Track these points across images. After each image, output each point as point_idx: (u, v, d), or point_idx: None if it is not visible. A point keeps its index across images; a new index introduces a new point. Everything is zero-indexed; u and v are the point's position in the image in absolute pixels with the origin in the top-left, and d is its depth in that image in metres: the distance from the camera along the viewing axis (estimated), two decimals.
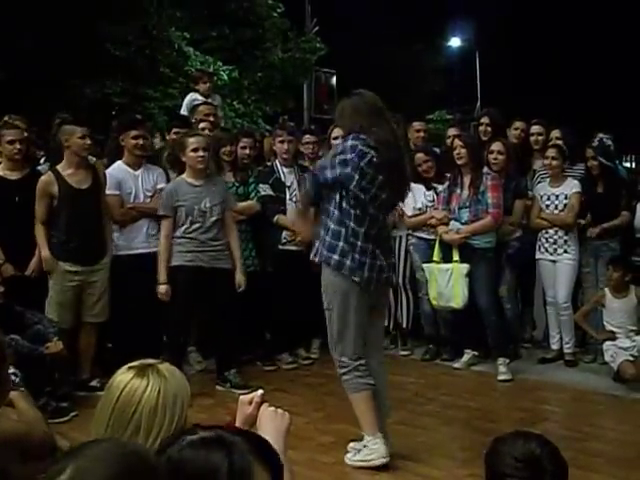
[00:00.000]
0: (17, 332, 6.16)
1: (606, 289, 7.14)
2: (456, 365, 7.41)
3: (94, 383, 6.47)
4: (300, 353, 7.72)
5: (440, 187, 7.60)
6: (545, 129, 8.07)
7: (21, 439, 3.14)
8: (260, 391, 2.60)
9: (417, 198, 7.69)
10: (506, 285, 7.54)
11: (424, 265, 7.41)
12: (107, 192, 6.89)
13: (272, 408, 2.50)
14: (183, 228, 6.63)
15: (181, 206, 6.62)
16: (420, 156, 7.74)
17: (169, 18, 15.33)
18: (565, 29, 25.98)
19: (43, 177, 6.56)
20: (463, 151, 7.19)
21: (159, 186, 7.05)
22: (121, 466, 1.54)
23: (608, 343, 6.90)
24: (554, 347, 7.54)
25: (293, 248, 7.43)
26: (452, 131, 8.48)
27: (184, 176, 6.76)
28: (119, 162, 7.05)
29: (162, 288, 6.57)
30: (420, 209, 7.72)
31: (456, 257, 7.14)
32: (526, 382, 6.96)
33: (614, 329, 6.99)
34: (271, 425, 2.45)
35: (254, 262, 7.29)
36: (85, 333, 6.71)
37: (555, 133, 7.95)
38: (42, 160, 7.41)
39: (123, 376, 2.36)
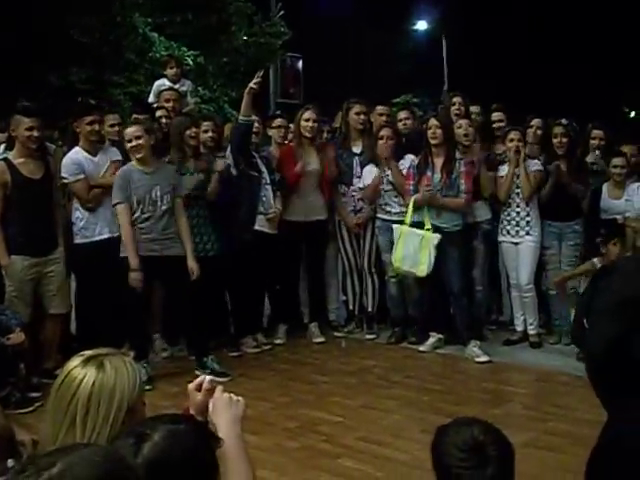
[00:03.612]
0: None
1: (595, 260, 6.92)
2: (421, 348, 7.42)
3: (59, 372, 6.41)
4: (260, 338, 7.71)
5: (405, 163, 7.57)
6: (505, 115, 8.12)
7: None
8: (208, 377, 2.57)
9: (367, 179, 7.75)
10: (479, 268, 7.62)
11: (394, 225, 7.39)
12: (72, 179, 6.85)
13: (227, 394, 2.48)
14: (134, 217, 6.53)
15: (132, 195, 6.53)
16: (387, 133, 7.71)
17: (133, 3, 15.20)
18: (532, 13, 26.05)
19: None
20: (439, 132, 7.22)
21: (114, 158, 7.01)
22: (106, 467, 1.55)
23: None
24: (518, 329, 7.58)
25: (267, 230, 7.46)
26: (403, 114, 8.47)
27: (134, 163, 6.66)
28: (77, 148, 6.96)
29: (134, 274, 6.47)
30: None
31: (428, 225, 7.16)
32: (491, 364, 6.98)
33: None
34: (227, 412, 2.43)
35: (214, 246, 7.22)
36: (48, 324, 6.66)
37: (537, 122, 8.00)
38: (1, 148, 7.30)
39: (69, 364, 2.33)
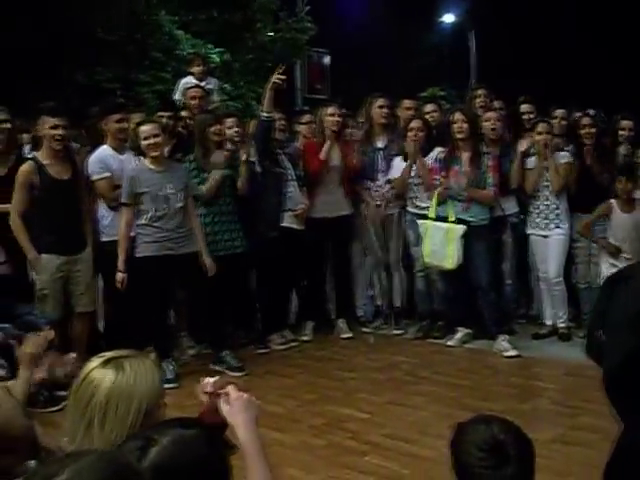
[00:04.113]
0: (7, 322, 6.17)
1: (613, 201, 7.07)
2: (449, 343, 7.38)
3: None
4: (287, 335, 7.68)
5: (429, 158, 7.52)
6: (534, 107, 8.02)
7: None
8: (210, 379, 2.55)
9: (395, 172, 7.71)
10: (507, 261, 7.59)
11: (419, 221, 7.36)
12: (96, 177, 6.86)
13: (243, 395, 2.45)
14: (148, 216, 6.52)
15: (145, 193, 6.51)
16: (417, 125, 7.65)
17: (158, 2, 15.23)
18: (560, 5, 25.82)
19: (24, 166, 6.48)
20: (465, 126, 7.17)
21: None
22: (112, 471, 1.55)
23: (607, 264, 6.95)
24: (548, 323, 7.51)
25: (295, 226, 7.47)
26: (429, 107, 8.41)
27: (145, 162, 6.64)
28: (104, 146, 6.97)
29: (119, 276, 6.48)
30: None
31: (452, 218, 7.12)
32: (519, 359, 6.91)
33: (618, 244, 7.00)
34: (243, 413, 2.41)
35: (242, 243, 7.22)
36: (76, 322, 6.69)
37: (561, 113, 7.92)
38: (27, 149, 7.34)
39: (88, 365, 2.32)
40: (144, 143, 6.56)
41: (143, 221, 6.53)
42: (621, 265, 6.65)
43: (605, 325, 1.69)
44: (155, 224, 6.53)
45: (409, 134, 7.57)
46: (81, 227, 6.65)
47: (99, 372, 2.28)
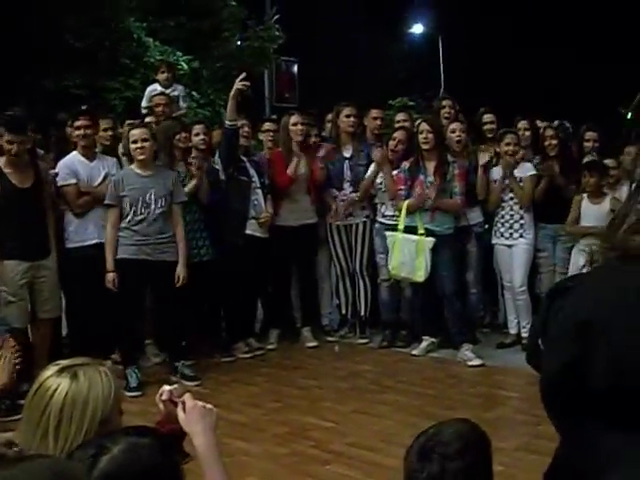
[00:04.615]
0: None
1: (584, 195, 7.18)
2: (414, 352, 7.39)
3: None
4: (252, 343, 7.66)
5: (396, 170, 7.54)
6: (496, 117, 8.08)
7: None
8: (167, 387, 2.54)
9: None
10: (472, 271, 7.61)
11: (387, 233, 7.37)
12: (62, 182, 6.88)
13: (200, 403, 2.44)
14: (127, 219, 6.57)
15: (126, 196, 6.57)
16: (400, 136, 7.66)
17: (126, 8, 15.16)
18: (529, 16, 26.03)
19: None
20: (430, 136, 7.19)
21: (113, 172, 7.01)
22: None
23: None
24: (512, 332, 7.55)
25: (259, 234, 7.46)
26: (400, 116, 8.46)
27: (132, 166, 6.73)
28: (74, 153, 7.00)
29: (109, 276, 6.52)
30: None
31: (421, 230, 7.14)
32: (484, 368, 6.95)
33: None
34: (201, 422, 2.40)
35: (208, 251, 7.21)
36: (39, 328, 6.63)
37: (523, 124, 7.95)
38: None
39: (44, 373, 2.30)
40: (132, 146, 6.63)
41: (123, 224, 6.57)
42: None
43: (544, 334, 1.70)
44: (134, 228, 6.55)
45: (391, 142, 7.57)
46: (44, 233, 6.59)
47: (53, 381, 2.26)
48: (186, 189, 6.99)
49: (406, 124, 8.11)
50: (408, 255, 7.11)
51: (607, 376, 1.41)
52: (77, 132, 6.92)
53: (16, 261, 6.39)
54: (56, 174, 6.89)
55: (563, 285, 1.63)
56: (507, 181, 7.39)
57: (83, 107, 7.82)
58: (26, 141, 6.49)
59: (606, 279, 1.50)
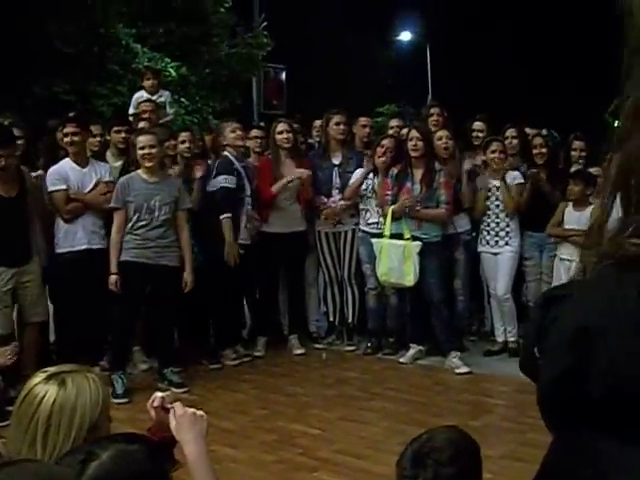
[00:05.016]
0: None
1: (569, 202, 7.21)
2: (402, 359, 7.40)
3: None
4: (239, 350, 7.66)
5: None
6: (486, 125, 8.10)
7: None
8: (159, 394, 2.54)
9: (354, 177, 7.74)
10: (460, 278, 7.63)
11: (373, 240, 7.36)
12: (51, 188, 6.89)
13: (190, 410, 2.44)
14: (130, 224, 6.61)
15: (131, 202, 6.60)
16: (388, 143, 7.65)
17: (116, 14, 15.18)
18: (515, 24, 26.15)
19: None
20: (420, 144, 7.21)
21: (105, 179, 7.01)
22: None
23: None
24: (499, 339, 7.57)
25: (243, 242, 7.44)
26: (394, 122, 8.50)
27: (139, 171, 6.72)
28: (66, 159, 7.01)
29: (112, 278, 6.53)
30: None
31: (408, 235, 7.16)
32: (471, 375, 6.96)
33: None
34: (191, 429, 2.40)
35: (197, 258, 7.21)
36: (28, 332, 6.62)
37: (511, 132, 7.97)
38: None
39: (32, 380, 2.30)
40: (139, 153, 6.63)
41: (127, 229, 6.60)
42: (575, 258, 6.88)
43: (541, 342, 1.71)
44: (136, 232, 6.59)
45: (378, 149, 7.59)
46: (27, 239, 6.59)
47: (41, 388, 2.26)
48: (192, 198, 7.04)
49: (399, 130, 8.12)
50: (396, 260, 7.12)
51: (604, 383, 1.42)
52: (66, 139, 6.93)
53: (1, 268, 6.38)
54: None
55: (559, 292, 1.64)
56: (493, 189, 7.41)
57: (71, 114, 7.80)
58: (13, 153, 6.49)
59: (603, 286, 1.51)
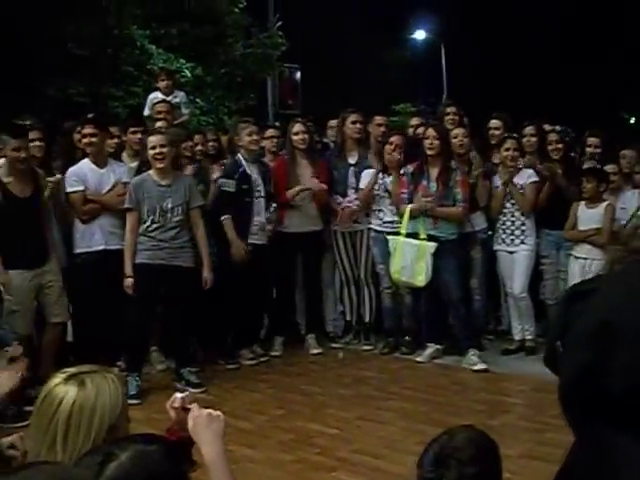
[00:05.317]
0: None
1: (581, 202, 7.19)
2: (419, 359, 7.39)
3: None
4: (257, 350, 7.67)
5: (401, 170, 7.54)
6: (504, 123, 8.07)
7: None
8: (179, 395, 2.54)
9: (364, 182, 7.71)
10: (477, 277, 7.61)
11: (389, 237, 7.37)
12: (69, 189, 6.93)
13: (206, 411, 2.45)
14: (144, 226, 6.60)
15: (144, 203, 6.60)
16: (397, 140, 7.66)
17: (130, 16, 15.20)
18: (530, 21, 26.05)
19: None
20: (436, 142, 7.20)
21: (123, 180, 7.05)
22: None
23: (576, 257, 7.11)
24: (516, 338, 7.53)
25: (255, 242, 7.42)
26: (415, 120, 8.49)
27: (151, 172, 6.72)
28: (85, 160, 7.05)
29: (128, 281, 6.54)
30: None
31: (423, 235, 7.14)
32: (489, 374, 6.94)
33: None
34: (207, 429, 2.40)
35: (214, 259, 7.22)
36: (48, 332, 6.66)
37: (529, 130, 7.93)
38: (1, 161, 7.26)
39: (51, 381, 2.31)
40: (150, 153, 6.63)
41: (141, 231, 6.60)
42: (590, 257, 6.91)
43: (564, 337, 1.71)
44: (150, 234, 6.59)
45: (387, 147, 7.58)
46: (43, 240, 6.61)
47: (61, 389, 2.26)
48: (207, 198, 7.06)
49: (420, 129, 8.08)
50: (409, 259, 7.11)
51: (625, 377, 1.41)
52: (84, 140, 6.96)
53: (20, 271, 6.40)
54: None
55: (584, 287, 1.63)
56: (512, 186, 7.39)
57: (90, 115, 7.82)
58: (28, 147, 6.52)
59: (626, 281, 1.50)
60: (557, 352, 1.74)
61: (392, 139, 7.63)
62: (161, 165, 6.62)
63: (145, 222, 6.61)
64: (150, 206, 6.59)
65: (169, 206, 6.61)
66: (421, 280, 7.11)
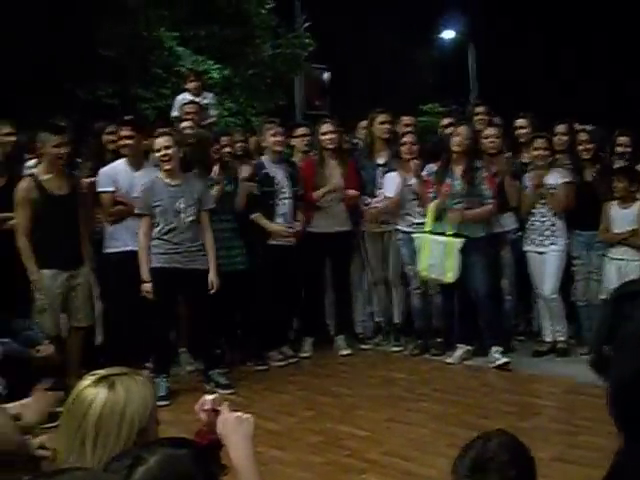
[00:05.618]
0: (7, 337, 6.14)
1: (612, 202, 7.15)
2: (449, 360, 7.34)
3: None
4: (286, 351, 7.65)
5: (424, 172, 7.52)
6: (530, 122, 8.00)
7: None
8: (209, 397, 2.53)
9: (390, 188, 7.63)
10: (507, 277, 7.57)
11: (415, 235, 7.34)
12: (100, 189, 6.97)
13: (235, 413, 2.43)
14: (158, 229, 6.59)
15: (157, 206, 6.58)
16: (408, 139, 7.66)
17: (157, 18, 15.25)
18: (560, 21, 25.88)
19: (22, 183, 6.46)
20: (465, 141, 7.19)
21: None
22: None
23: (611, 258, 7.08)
24: (547, 339, 7.46)
25: (282, 243, 7.40)
26: (446, 120, 8.46)
27: (160, 175, 6.72)
28: (120, 161, 7.08)
29: (146, 286, 6.54)
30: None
31: (450, 231, 7.10)
32: (519, 375, 6.89)
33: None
34: (236, 432, 2.39)
35: (244, 260, 7.22)
36: (72, 337, 6.67)
37: (561, 128, 7.86)
38: (32, 163, 7.30)
39: (81, 383, 2.30)
40: (156, 155, 6.66)
41: (155, 234, 6.59)
42: (627, 258, 6.93)
43: (614, 340, 1.67)
44: (164, 237, 6.58)
45: (403, 148, 7.56)
46: (79, 242, 6.63)
47: (91, 391, 2.25)
48: (237, 199, 7.06)
49: (451, 128, 8.04)
50: (437, 256, 7.08)
51: None
52: (120, 142, 7.01)
53: (54, 270, 6.43)
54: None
55: (629, 289, 1.59)
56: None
57: (127, 117, 7.85)
58: (70, 143, 6.55)
59: None
60: (605, 356, 1.70)
61: (405, 139, 7.65)
62: (168, 166, 6.62)
63: (159, 224, 6.58)
64: (163, 207, 6.58)
65: (182, 206, 6.59)
66: (450, 277, 7.07)
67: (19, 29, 12.93)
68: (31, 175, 6.54)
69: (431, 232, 7.17)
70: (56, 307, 6.49)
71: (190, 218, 6.61)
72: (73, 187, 6.61)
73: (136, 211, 6.71)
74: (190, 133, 7.60)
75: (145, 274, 6.56)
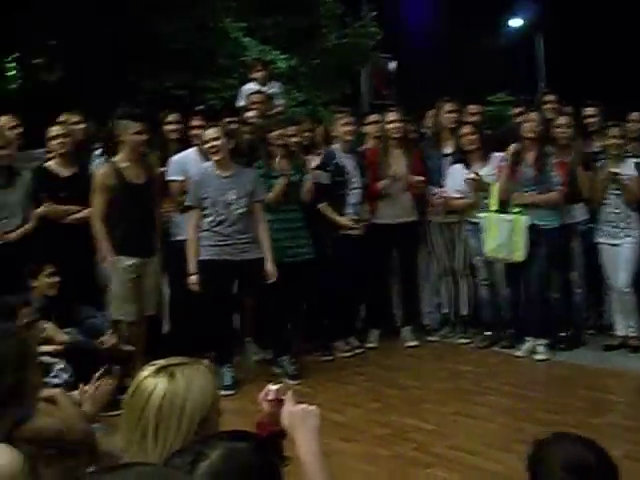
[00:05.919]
0: (73, 325, 6.21)
1: None
2: (517, 353, 7.21)
3: None
4: (352, 342, 7.60)
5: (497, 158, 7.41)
6: (600, 111, 7.81)
7: (58, 436, 3.11)
8: (273, 387, 2.49)
9: (456, 180, 7.51)
10: (577, 270, 7.45)
11: (480, 214, 7.24)
12: (169, 177, 7.04)
13: (300, 406, 2.39)
14: (208, 220, 6.53)
15: (206, 198, 6.53)
16: (467, 130, 7.54)
17: (223, 8, 15.31)
18: (633, 8, 25.37)
19: (101, 170, 6.54)
20: (537, 127, 7.10)
21: None
22: None
23: None
24: (619, 333, 7.26)
25: (352, 233, 7.37)
26: (518, 109, 8.32)
27: (212, 166, 6.66)
28: (191, 150, 7.11)
29: (192, 278, 6.51)
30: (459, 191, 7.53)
31: (516, 208, 7.00)
32: (590, 370, 6.74)
33: None
34: (302, 425, 2.35)
35: (310, 250, 7.18)
36: (138, 326, 6.69)
37: (636, 115, 7.69)
38: (99, 152, 7.37)
39: (142, 373, 2.28)
40: (206, 147, 6.61)
41: (205, 226, 6.55)
42: None
43: None
44: (215, 229, 6.53)
45: (463, 140, 7.47)
46: (153, 231, 6.66)
47: (151, 381, 2.23)
48: (272, 193, 6.98)
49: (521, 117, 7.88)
50: (505, 235, 6.99)
51: None
52: (192, 132, 7.05)
53: (128, 257, 6.46)
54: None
55: None
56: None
57: (198, 107, 7.90)
58: (147, 131, 6.61)
59: None
60: None
61: (464, 130, 7.52)
62: (217, 157, 6.55)
63: (210, 216, 6.53)
64: (213, 199, 6.51)
65: (233, 197, 6.52)
66: (520, 255, 6.99)
67: (87, 23, 13.09)
68: (110, 162, 6.58)
69: (497, 211, 7.06)
70: (130, 293, 6.50)
71: (241, 210, 6.54)
72: (150, 176, 6.64)
73: (185, 204, 6.70)
74: (246, 124, 7.60)
75: (192, 267, 6.52)
